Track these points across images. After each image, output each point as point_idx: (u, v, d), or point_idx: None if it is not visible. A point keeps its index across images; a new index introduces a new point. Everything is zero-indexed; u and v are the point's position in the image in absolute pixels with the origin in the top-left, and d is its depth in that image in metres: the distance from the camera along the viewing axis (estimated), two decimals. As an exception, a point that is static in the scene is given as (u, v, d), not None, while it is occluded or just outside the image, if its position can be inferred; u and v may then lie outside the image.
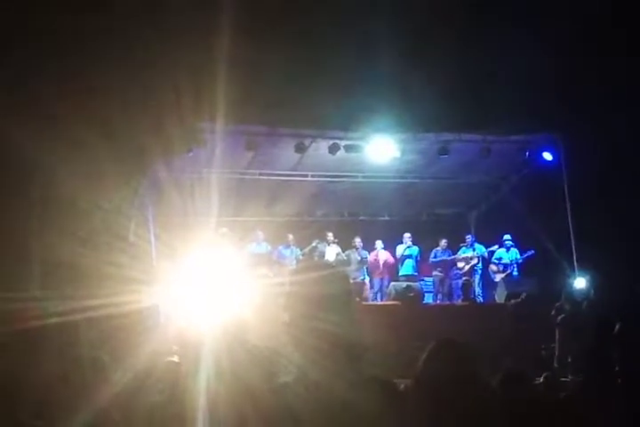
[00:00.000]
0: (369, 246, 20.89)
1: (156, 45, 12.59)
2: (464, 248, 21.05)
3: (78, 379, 3.95)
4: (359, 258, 20.40)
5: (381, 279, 20.88)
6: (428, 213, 24.59)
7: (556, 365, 15.39)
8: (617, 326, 10.54)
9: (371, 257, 20.69)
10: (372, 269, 20.76)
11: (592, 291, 17.53)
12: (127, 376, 5.12)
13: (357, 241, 20.60)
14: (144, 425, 4.64)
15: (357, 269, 20.22)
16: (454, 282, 20.88)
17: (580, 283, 18.36)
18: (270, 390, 3.40)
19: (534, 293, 18.70)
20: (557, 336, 15.82)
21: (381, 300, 20.30)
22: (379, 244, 21.04)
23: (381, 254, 20.93)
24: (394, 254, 21.03)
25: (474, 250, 20.86)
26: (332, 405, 3.11)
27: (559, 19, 16.81)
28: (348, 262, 20.20)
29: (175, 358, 5.88)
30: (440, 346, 3.89)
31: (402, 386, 4.42)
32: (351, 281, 18.09)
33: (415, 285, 19.83)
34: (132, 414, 4.57)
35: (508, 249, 20.77)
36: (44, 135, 12.34)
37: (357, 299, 18.89)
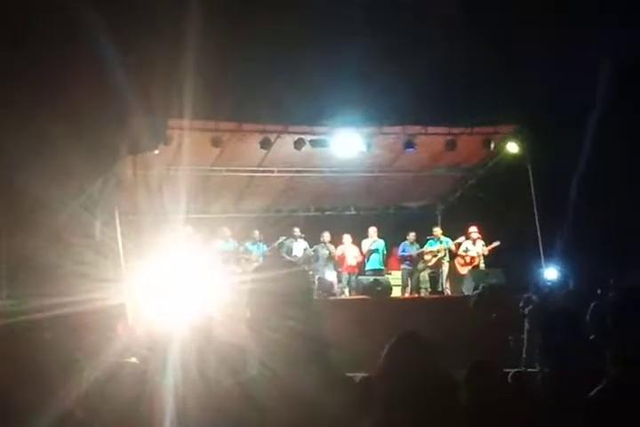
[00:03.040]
0: (337, 241, 20.86)
1: (122, 43, 12.55)
2: (431, 241, 21.09)
3: (43, 378, 3.94)
4: (327, 253, 20.38)
5: (349, 274, 20.85)
6: (395, 206, 24.68)
7: (524, 356, 15.49)
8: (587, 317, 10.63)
9: (338, 252, 20.64)
10: (340, 264, 20.70)
11: (570, 282, 17.64)
12: (93, 375, 5.10)
13: (326, 236, 20.56)
14: (110, 425, 4.63)
15: (325, 265, 20.19)
16: (422, 275, 20.91)
17: (550, 273, 18.49)
18: (236, 384, 3.42)
19: (501, 284, 18.80)
20: (525, 327, 15.92)
21: (349, 295, 20.29)
22: (347, 238, 20.98)
23: (349, 249, 20.89)
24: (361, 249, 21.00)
25: (440, 243, 20.91)
26: (293, 395, 3.15)
27: (523, 12, 16.91)
28: (315, 258, 20.21)
29: (134, 359, 5.86)
30: (400, 340, 3.92)
31: (359, 379, 4.45)
32: (316, 278, 18.18)
33: (383, 278, 19.82)
34: (98, 414, 4.56)
35: (474, 241, 20.83)
36: (9, 131, 12.27)
37: (325, 295, 18.90)
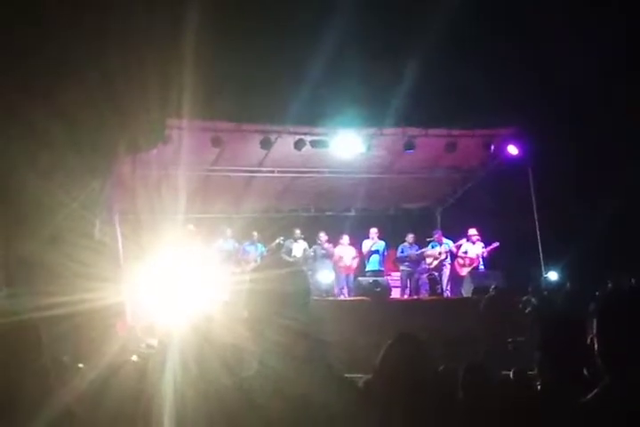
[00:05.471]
0: (335, 242, 20.80)
1: (121, 42, 12.54)
2: (433, 243, 21.07)
3: (40, 378, 3.93)
4: (324, 253, 20.33)
5: (347, 275, 20.80)
6: (394, 208, 24.62)
7: (523, 357, 15.49)
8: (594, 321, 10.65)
9: (336, 252, 20.59)
10: (337, 265, 20.61)
11: (567, 284, 17.64)
12: (92, 374, 5.10)
13: (321, 236, 20.51)
14: (110, 424, 4.62)
15: (324, 265, 20.14)
16: (422, 277, 20.87)
17: (550, 276, 18.52)
18: (234, 384, 3.42)
19: (500, 286, 18.77)
20: (525, 329, 15.91)
21: (348, 295, 20.24)
22: (345, 239, 20.92)
23: (347, 250, 20.82)
24: (360, 250, 20.92)
25: (441, 245, 20.89)
26: (292, 394, 3.14)
27: (526, 13, 16.91)
28: (314, 258, 20.18)
29: (135, 358, 5.86)
30: (396, 342, 3.92)
31: (362, 381, 4.45)
32: (314, 278, 18.12)
33: (382, 280, 19.77)
34: (98, 414, 4.55)
35: (473, 243, 20.82)
36: (7, 131, 12.25)
37: (324, 295, 18.86)
